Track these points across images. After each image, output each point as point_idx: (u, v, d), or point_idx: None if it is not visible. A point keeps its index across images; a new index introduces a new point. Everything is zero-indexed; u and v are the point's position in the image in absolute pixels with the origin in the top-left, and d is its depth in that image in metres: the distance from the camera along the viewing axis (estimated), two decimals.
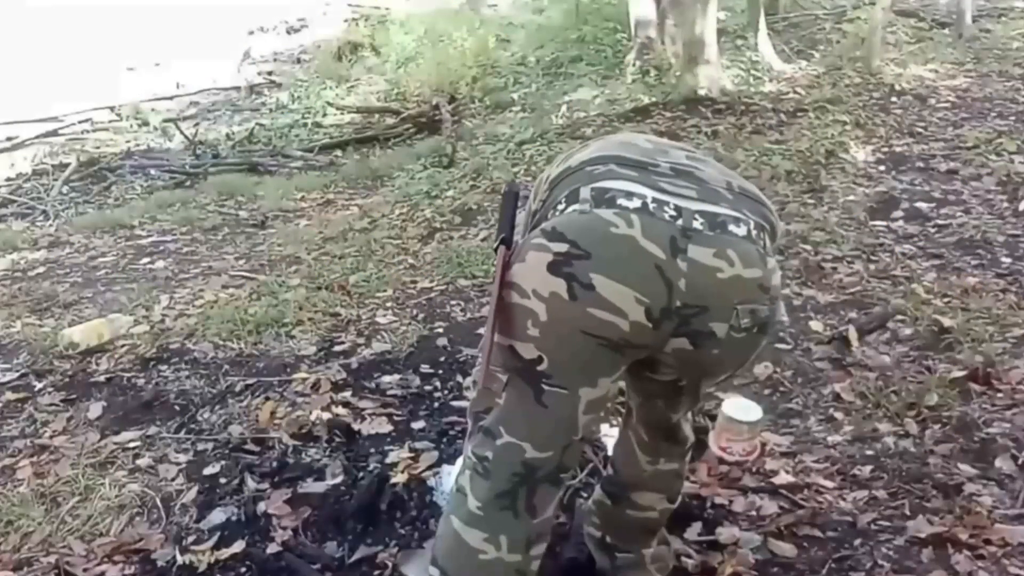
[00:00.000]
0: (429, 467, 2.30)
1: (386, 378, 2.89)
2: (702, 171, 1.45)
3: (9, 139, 7.98)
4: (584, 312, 1.34)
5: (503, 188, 1.53)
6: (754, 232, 1.38)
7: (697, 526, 2.07)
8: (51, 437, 2.61)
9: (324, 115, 8.40)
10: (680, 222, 1.35)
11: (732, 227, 1.36)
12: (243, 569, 2.00)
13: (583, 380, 1.43)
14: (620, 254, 1.33)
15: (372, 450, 2.45)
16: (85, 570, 2.02)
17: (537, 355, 1.40)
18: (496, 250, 1.45)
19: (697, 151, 1.59)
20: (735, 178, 1.49)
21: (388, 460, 2.37)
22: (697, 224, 1.34)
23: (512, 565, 1.46)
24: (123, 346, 3.20)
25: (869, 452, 2.38)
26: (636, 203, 1.35)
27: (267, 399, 2.75)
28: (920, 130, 5.68)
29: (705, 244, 1.33)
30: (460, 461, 1.68)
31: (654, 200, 1.36)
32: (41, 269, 4.46)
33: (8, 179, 6.85)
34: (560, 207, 1.41)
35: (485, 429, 1.50)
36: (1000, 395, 2.58)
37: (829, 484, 2.24)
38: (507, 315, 1.41)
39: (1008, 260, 3.69)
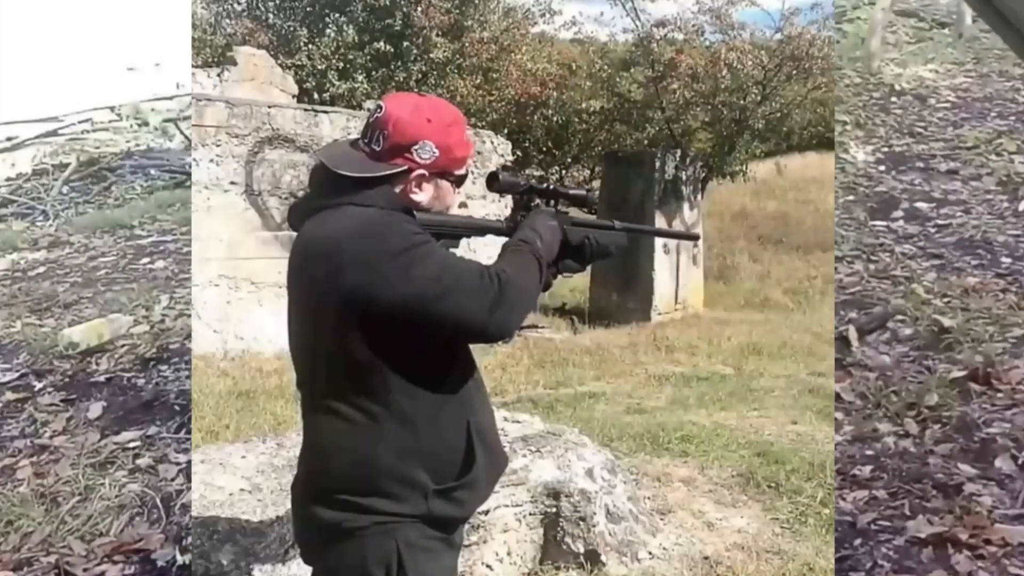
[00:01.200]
0: None
1: None
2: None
3: (9, 139, 7.96)
4: None
5: None
6: None
7: None
8: (51, 437, 2.62)
9: None
10: None
11: None
12: None
13: None
14: None
15: None
16: (85, 570, 2.02)
17: None
18: None
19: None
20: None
21: None
22: None
23: None
24: (123, 346, 3.20)
25: (869, 452, 2.38)
26: None
27: None
28: (920, 130, 5.67)
29: None
30: None
31: None
32: (41, 269, 4.45)
33: (8, 179, 6.84)
34: None
35: None
36: (1000, 395, 2.58)
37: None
38: None
39: (1008, 260, 3.68)
